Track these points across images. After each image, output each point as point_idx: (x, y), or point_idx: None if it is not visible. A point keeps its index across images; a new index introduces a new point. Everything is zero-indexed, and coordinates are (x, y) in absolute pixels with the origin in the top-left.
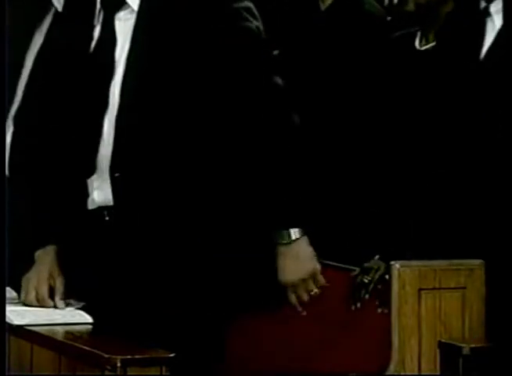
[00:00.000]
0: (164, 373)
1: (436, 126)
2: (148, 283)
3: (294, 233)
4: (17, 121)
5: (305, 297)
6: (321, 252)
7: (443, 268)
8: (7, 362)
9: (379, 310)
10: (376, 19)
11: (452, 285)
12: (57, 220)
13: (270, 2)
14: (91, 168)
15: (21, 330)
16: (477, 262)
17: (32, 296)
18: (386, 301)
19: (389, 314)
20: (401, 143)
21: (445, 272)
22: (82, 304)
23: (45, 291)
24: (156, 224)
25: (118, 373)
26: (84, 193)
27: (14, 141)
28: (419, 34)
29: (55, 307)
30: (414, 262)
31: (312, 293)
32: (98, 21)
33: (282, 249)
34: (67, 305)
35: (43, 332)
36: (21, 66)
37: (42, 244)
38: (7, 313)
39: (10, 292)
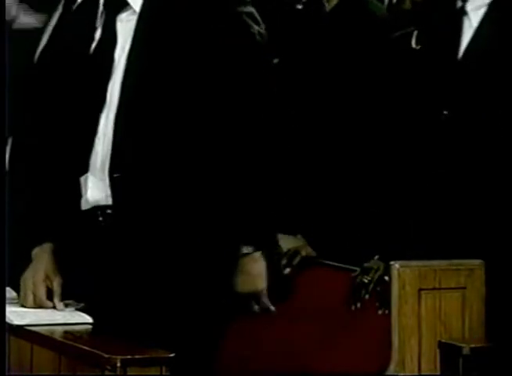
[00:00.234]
0: (163, 373)
1: (436, 126)
2: (146, 283)
3: (247, 248)
4: (18, 118)
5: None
6: (321, 252)
7: (443, 268)
8: (7, 362)
9: (379, 312)
10: (379, 20)
11: (452, 285)
12: (53, 218)
13: (276, 3)
14: (84, 167)
15: (21, 330)
16: (477, 262)
17: (30, 299)
18: (386, 303)
19: (389, 314)
20: (401, 143)
21: (445, 272)
22: (81, 305)
23: (42, 293)
24: (155, 224)
25: (118, 373)
26: (78, 192)
27: (14, 138)
28: (415, 33)
29: (54, 308)
30: (414, 262)
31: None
32: (100, 22)
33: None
34: (66, 305)
35: (43, 332)
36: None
37: (39, 242)
38: (7, 313)
39: (10, 292)
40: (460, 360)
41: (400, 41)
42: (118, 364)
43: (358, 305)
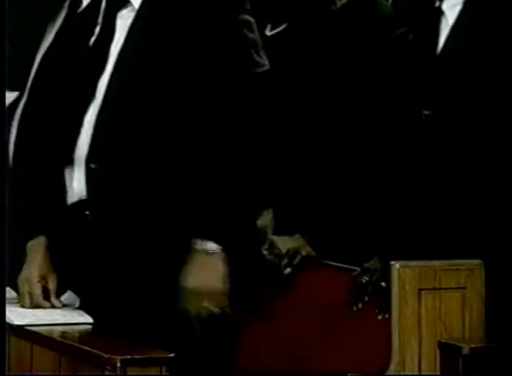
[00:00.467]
0: (163, 373)
1: (436, 126)
2: (138, 279)
3: (204, 244)
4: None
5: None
6: (321, 252)
7: (443, 268)
8: (7, 362)
9: (379, 317)
10: (387, 19)
11: (452, 285)
12: (44, 210)
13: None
14: (68, 158)
15: (21, 330)
16: (477, 262)
17: (27, 300)
18: (385, 308)
19: (389, 315)
20: (401, 143)
21: (445, 272)
22: (77, 300)
23: (38, 293)
24: (140, 219)
25: (118, 373)
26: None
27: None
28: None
29: (53, 307)
30: (414, 262)
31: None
32: (101, 18)
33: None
34: (64, 305)
35: (43, 332)
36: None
37: (31, 235)
38: (7, 313)
39: (10, 292)
40: (460, 360)
41: (400, 40)
42: (118, 364)
43: (360, 305)
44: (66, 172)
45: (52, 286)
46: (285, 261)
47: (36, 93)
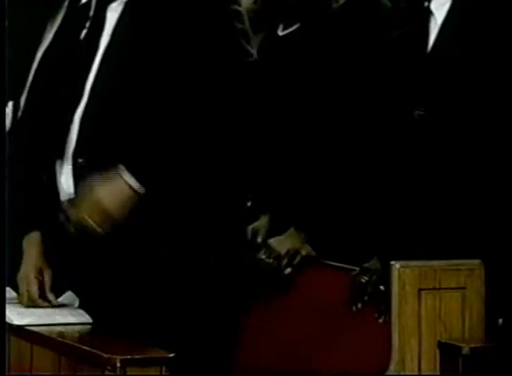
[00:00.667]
0: (163, 373)
1: (435, 126)
2: (144, 282)
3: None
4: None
5: None
6: (321, 252)
7: (443, 268)
8: (7, 362)
9: (380, 320)
10: (388, 16)
11: (452, 285)
12: (37, 206)
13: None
14: (59, 154)
15: (21, 330)
16: (477, 262)
17: (25, 298)
18: (384, 311)
19: (389, 315)
20: (401, 143)
21: (445, 272)
22: (77, 300)
23: (35, 290)
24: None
25: (118, 373)
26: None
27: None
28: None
29: (48, 302)
30: (414, 262)
31: None
32: (92, 12)
33: None
34: (64, 305)
35: (43, 332)
36: (31, 64)
37: (26, 231)
38: (7, 313)
39: (10, 292)
40: (460, 360)
41: (399, 40)
42: (118, 364)
43: (359, 305)
44: (57, 168)
45: (46, 279)
46: (285, 261)
47: (34, 92)
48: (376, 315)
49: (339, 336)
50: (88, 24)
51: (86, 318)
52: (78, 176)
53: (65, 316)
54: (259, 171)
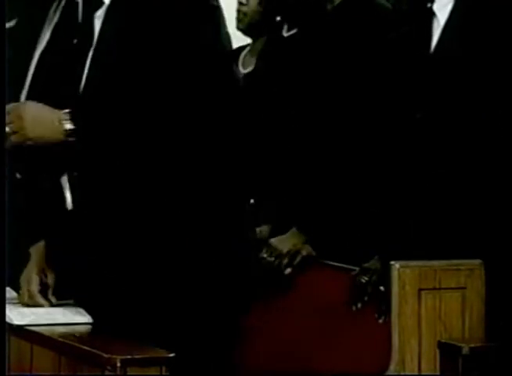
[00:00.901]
0: (163, 373)
1: (436, 126)
2: (141, 281)
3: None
4: None
5: None
6: (321, 252)
7: (443, 268)
8: (7, 362)
9: (380, 321)
10: (385, 16)
11: (452, 285)
12: (45, 216)
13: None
14: (62, 166)
15: (21, 330)
16: (477, 262)
17: (26, 296)
18: (384, 311)
19: (389, 315)
20: (401, 143)
21: (445, 272)
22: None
23: (34, 289)
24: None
25: (118, 373)
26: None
27: None
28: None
29: (51, 305)
30: (414, 262)
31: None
32: (80, 20)
33: None
34: (65, 305)
35: (43, 332)
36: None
37: (35, 240)
38: (7, 313)
39: (10, 292)
40: (460, 360)
41: (401, 41)
42: (118, 364)
43: (359, 305)
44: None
45: (50, 282)
46: (285, 261)
47: (33, 94)
48: (376, 315)
49: (339, 336)
50: (78, 31)
51: (86, 318)
52: (74, 187)
53: (65, 316)
54: (260, 171)
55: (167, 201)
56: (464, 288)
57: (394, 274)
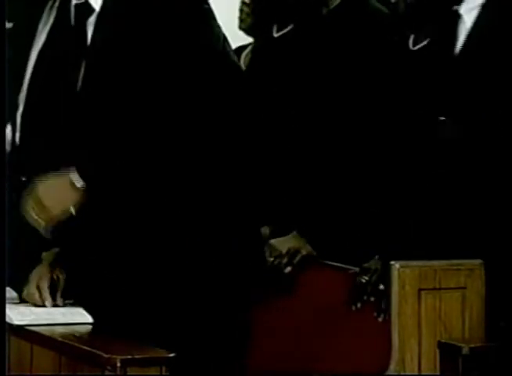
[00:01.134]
0: (163, 373)
1: (437, 126)
2: (146, 283)
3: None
4: (22, 120)
5: None
6: (321, 252)
7: (443, 268)
8: (7, 362)
9: (379, 319)
10: (382, 21)
11: (452, 285)
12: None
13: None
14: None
15: (21, 330)
16: (477, 262)
17: (33, 289)
18: (384, 310)
19: (389, 315)
20: (401, 143)
21: (445, 272)
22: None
23: (46, 285)
24: (142, 221)
25: (118, 373)
26: None
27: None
28: (412, 36)
29: (54, 305)
30: (414, 262)
31: None
32: (73, 26)
33: None
34: (68, 305)
35: (43, 332)
36: (25, 64)
37: (48, 248)
38: (7, 313)
39: (10, 292)
40: (460, 360)
41: (399, 44)
42: (118, 364)
43: (359, 305)
44: None
45: (61, 284)
46: (285, 260)
47: (32, 98)
48: (376, 313)
49: (339, 336)
50: (72, 39)
51: (86, 318)
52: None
53: (65, 316)
54: (260, 171)
55: (168, 201)
56: (464, 288)
57: (394, 274)
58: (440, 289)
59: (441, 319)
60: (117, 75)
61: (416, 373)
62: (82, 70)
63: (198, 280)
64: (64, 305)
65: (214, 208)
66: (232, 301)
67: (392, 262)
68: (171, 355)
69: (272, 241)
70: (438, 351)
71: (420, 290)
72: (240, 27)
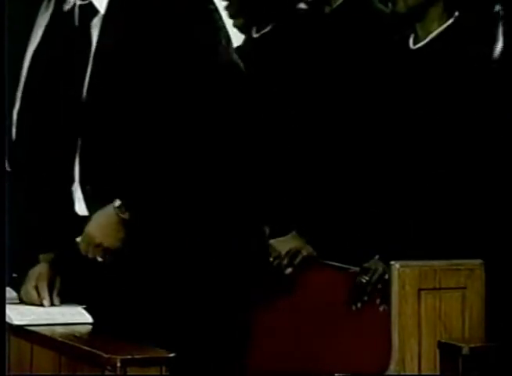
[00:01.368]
0: (163, 373)
1: (437, 127)
2: (147, 283)
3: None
4: (19, 118)
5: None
6: (321, 252)
7: (443, 268)
8: (7, 362)
9: (381, 308)
10: (384, 20)
11: (452, 285)
12: (56, 229)
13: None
14: (70, 177)
15: (21, 330)
16: (477, 262)
17: (31, 288)
18: (387, 299)
19: (389, 314)
20: (401, 143)
21: (445, 272)
22: (82, 307)
23: (44, 284)
24: (147, 226)
25: (118, 373)
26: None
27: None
28: (412, 35)
29: (52, 304)
30: (414, 262)
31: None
32: (77, 27)
33: None
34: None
35: (43, 332)
36: (21, 62)
37: (45, 251)
38: (7, 313)
39: (10, 292)
40: (460, 360)
41: (399, 43)
42: (118, 364)
43: (359, 305)
44: (73, 190)
45: (58, 284)
46: (286, 261)
47: (30, 100)
48: (379, 301)
49: (339, 336)
50: (75, 39)
51: (86, 318)
52: (88, 199)
53: (65, 316)
54: (259, 171)
55: (168, 201)
56: (464, 288)
57: (394, 274)
58: (440, 289)
59: (441, 319)
60: (127, 78)
61: (416, 373)
62: (88, 72)
63: (198, 279)
64: (63, 305)
65: (214, 208)
66: (232, 301)
67: (392, 262)
68: (171, 355)
69: (272, 242)
70: (438, 351)
71: (420, 290)
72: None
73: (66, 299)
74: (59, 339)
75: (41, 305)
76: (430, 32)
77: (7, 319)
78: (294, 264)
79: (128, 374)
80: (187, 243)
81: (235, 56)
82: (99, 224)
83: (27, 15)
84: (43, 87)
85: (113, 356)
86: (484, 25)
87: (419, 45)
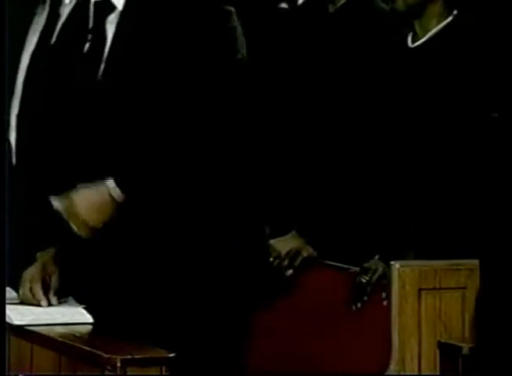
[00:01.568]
0: (163, 373)
1: (436, 126)
2: (147, 283)
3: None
4: (20, 119)
5: None
6: (321, 252)
7: (443, 268)
8: (7, 362)
9: (385, 303)
10: (385, 20)
11: (452, 285)
12: (56, 225)
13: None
14: (76, 174)
15: (21, 330)
16: (478, 262)
17: (27, 290)
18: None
19: (389, 314)
20: (401, 143)
21: (445, 272)
22: (82, 306)
23: (38, 285)
24: (149, 224)
25: (118, 373)
26: None
27: (18, 137)
28: (411, 33)
29: (49, 304)
30: (414, 262)
31: None
32: (91, 24)
33: None
34: (63, 302)
35: (43, 332)
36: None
37: (43, 248)
38: (7, 313)
39: (10, 292)
40: (460, 360)
41: (398, 41)
42: (118, 364)
43: (359, 305)
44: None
45: (53, 282)
46: (286, 262)
47: (30, 101)
48: (384, 296)
49: (339, 336)
50: (89, 37)
51: (86, 318)
52: None
53: (65, 316)
54: (259, 171)
55: (168, 201)
56: (464, 288)
57: (394, 274)
58: (440, 289)
59: (441, 319)
60: (142, 75)
61: (416, 373)
62: (102, 68)
63: (198, 279)
64: (59, 304)
65: (214, 208)
66: (232, 302)
67: (392, 262)
68: (171, 355)
69: (272, 242)
70: (438, 351)
71: (420, 290)
72: None
73: (62, 297)
74: (59, 339)
75: (40, 305)
76: (429, 30)
77: (7, 319)
78: (295, 265)
79: (128, 374)
80: (187, 243)
81: (245, 57)
82: (88, 201)
83: (26, 15)
84: (46, 84)
85: (113, 356)
86: (483, 23)
87: (417, 43)
